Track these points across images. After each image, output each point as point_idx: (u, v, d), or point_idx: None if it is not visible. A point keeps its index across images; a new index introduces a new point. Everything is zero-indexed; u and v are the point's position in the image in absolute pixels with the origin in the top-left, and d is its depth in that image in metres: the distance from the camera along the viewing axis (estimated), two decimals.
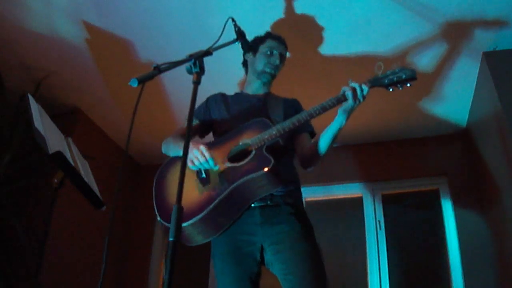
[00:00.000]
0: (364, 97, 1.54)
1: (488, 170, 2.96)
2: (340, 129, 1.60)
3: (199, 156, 1.50)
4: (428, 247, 3.34)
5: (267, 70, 1.86)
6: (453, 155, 3.44)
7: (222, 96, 1.92)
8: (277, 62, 1.87)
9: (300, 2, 2.36)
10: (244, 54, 1.97)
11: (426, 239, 3.38)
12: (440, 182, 3.45)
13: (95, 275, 3.19)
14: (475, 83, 2.90)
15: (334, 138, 1.62)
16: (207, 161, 1.50)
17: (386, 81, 1.58)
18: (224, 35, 1.51)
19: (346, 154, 3.69)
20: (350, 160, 3.68)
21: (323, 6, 2.36)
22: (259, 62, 1.88)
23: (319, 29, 2.52)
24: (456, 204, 3.25)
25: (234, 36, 1.67)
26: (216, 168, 1.54)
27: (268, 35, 1.94)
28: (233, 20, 1.63)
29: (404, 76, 1.57)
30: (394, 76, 1.58)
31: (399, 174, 3.52)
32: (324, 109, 1.56)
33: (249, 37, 1.78)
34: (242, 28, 1.69)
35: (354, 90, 1.51)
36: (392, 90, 1.60)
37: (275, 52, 1.88)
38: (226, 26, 1.55)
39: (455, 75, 2.83)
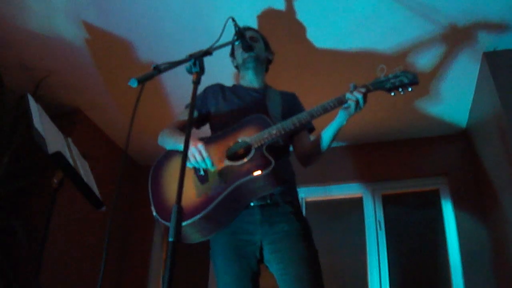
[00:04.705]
0: (364, 104, 1.57)
1: (488, 170, 2.95)
2: (340, 128, 1.65)
3: (197, 155, 1.49)
4: (428, 247, 3.34)
5: (245, 55, 1.87)
6: (453, 155, 3.44)
7: (220, 87, 1.90)
8: (248, 41, 1.82)
9: (300, 1, 2.36)
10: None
11: (426, 239, 3.38)
12: (440, 182, 3.45)
13: (95, 275, 3.19)
14: (475, 83, 2.90)
15: (335, 137, 1.67)
16: (204, 160, 1.50)
17: (388, 85, 1.61)
18: (224, 34, 1.51)
19: (346, 154, 3.69)
20: (350, 160, 3.68)
21: (324, 3, 2.36)
22: (238, 55, 1.93)
23: (319, 26, 2.51)
24: (456, 204, 3.24)
25: (234, 36, 1.67)
26: (213, 168, 1.53)
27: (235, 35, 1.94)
28: (233, 19, 1.62)
29: (406, 81, 1.60)
30: (396, 80, 1.61)
31: (399, 174, 3.52)
32: (325, 110, 1.59)
33: None
34: (242, 28, 1.69)
35: (356, 100, 1.55)
36: (394, 94, 1.63)
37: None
38: (226, 26, 1.55)
39: (455, 76, 2.83)
